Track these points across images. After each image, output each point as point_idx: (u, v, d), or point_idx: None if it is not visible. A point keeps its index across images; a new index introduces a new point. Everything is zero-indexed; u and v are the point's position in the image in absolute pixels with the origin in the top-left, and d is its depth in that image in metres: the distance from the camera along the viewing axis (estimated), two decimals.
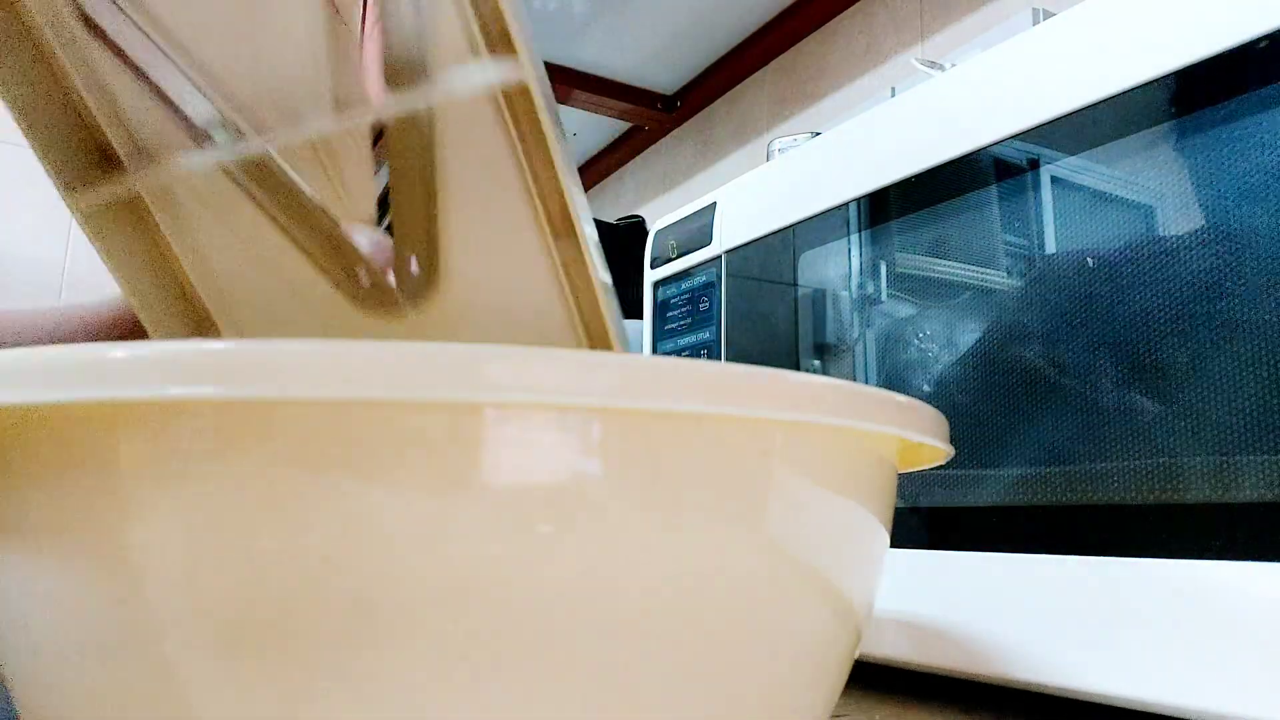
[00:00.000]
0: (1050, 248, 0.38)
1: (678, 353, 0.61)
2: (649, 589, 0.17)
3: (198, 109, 0.23)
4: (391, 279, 0.23)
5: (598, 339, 0.23)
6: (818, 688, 0.21)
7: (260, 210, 0.23)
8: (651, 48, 1.21)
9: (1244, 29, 0.31)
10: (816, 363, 0.50)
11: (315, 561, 0.15)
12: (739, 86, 1.25)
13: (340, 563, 0.15)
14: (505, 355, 0.14)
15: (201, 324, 0.23)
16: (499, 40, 0.22)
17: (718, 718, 0.18)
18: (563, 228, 0.23)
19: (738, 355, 0.56)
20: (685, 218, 0.63)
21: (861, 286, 0.48)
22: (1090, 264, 0.36)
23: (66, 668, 0.17)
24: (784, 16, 1.11)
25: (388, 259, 0.23)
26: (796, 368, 0.51)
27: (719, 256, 0.58)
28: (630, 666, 0.17)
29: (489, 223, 0.23)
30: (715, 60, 1.23)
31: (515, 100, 0.22)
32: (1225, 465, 0.30)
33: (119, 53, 0.23)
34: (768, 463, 0.17)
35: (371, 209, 0.26)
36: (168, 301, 0.23)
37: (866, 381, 0.47)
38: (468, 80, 0.22)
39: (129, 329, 0.37)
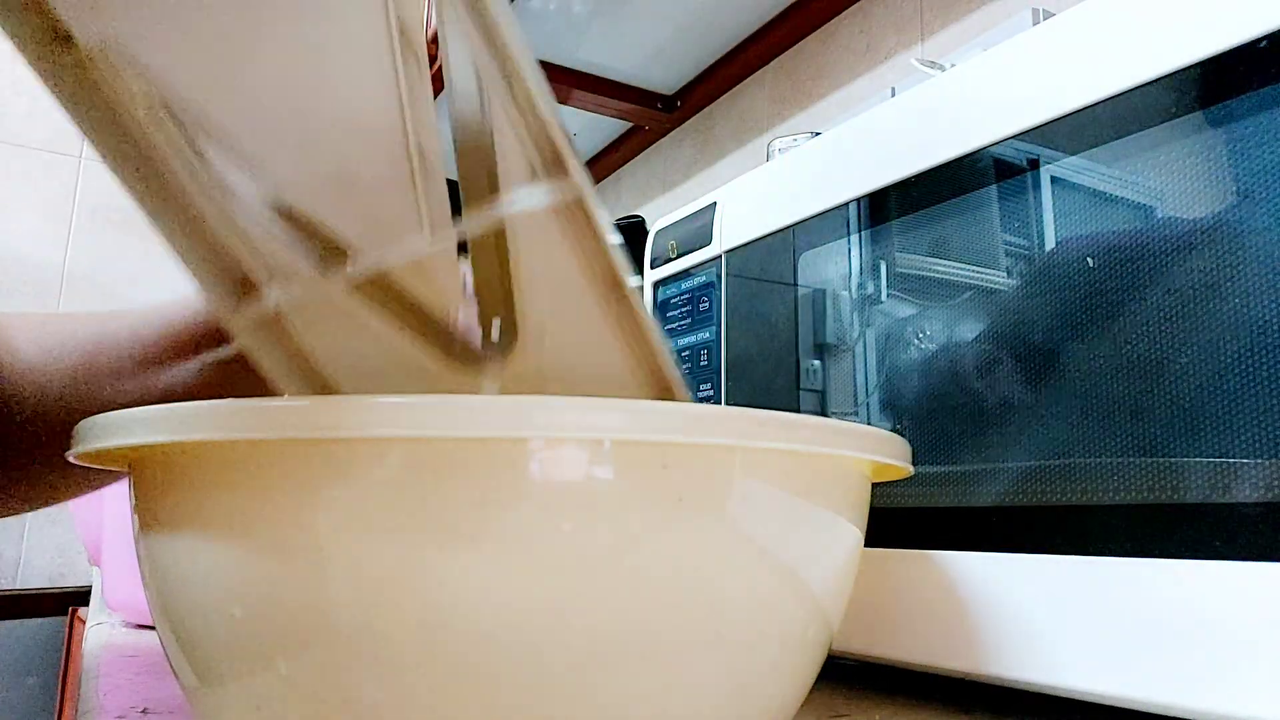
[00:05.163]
0: (1050, 248, 0.38)
1: (678, 352, 0.61)
2: (647, 567, 0.23)
3: (317, 240, 0.30)
4: (478, 345, 0.30)
5: (652, 371, 0.30)
6: (786, 667, 0.26)
7: (371, 309, 0.30)
8: (651, 48, 1.21)
9: (1244, 29, 0.31)
10: (816, 363, 0.50)
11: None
12: (739, 86, 1.25)
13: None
14: (547, 405, 0.21)
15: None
16: (553, 163, 0.29)
17: (698, 684, 0.24)
18: (612, 290, 0.29)
19: (737, 355, 0.56)
20: (685, 218, 0.63)
21: (861, 286, 0.48)
22: (1090, 264, 0.36)
23: (231, 626, 0.23)
24: (784, 16, 1.11)
25: (475, 330, 0.30)
26: (796, 368, 0.51)
27: (719, 256, 0.58)
28: (628, 631, 0.23)
29: (554, 295, 0.30)
30: (715, 60, 1.23)
31: (571, 208, 0.29)
32: (1225, 465, 0.30)
33: (244, 197, 0.30)
34: (730, 471, 0.24)
35: (459, 296, 0.33)
36: (310, 390, 0.30)
37: (866, 381, 0.48)
38: (532, 200, 0.29)
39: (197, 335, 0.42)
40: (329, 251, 0.31)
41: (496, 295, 0.30)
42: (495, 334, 0.30)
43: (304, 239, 0.31)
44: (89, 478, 0.43)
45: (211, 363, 0.41)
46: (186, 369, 0.41)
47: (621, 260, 0.30)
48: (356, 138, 0.30)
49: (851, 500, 0.28)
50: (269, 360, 0.31)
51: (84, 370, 0.40)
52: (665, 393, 0.30)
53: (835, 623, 0.29)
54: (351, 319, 0.31)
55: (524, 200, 0.29)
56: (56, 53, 0.27)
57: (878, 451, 0.27)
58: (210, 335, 0.41)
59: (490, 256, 0.30)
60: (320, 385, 0.30)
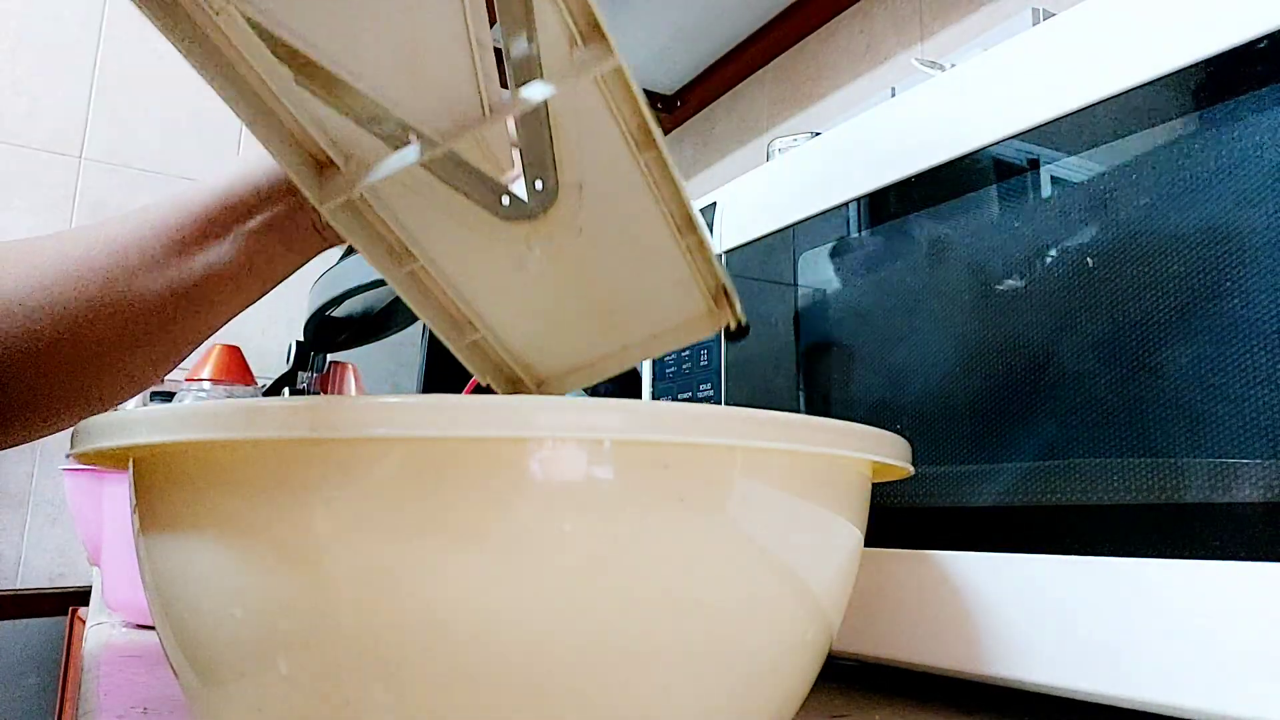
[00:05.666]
0: (1050, 248, 0.38)
1: (677, 353, 0.61)
2: (645, 565, 0.23)
3: (388, 126, 0.34)
4: (525, 200, 0.34)
5: (677, 211, 0.33)
6: (786, 667, 0.27)
7: (437, 178, 0.34)
8: (651, 48, 1.21)
9: (1244, 29, 0.31)
10: (816, 363, 0.50)
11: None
12: (739, 86, 1.25)
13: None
14: (547, 406, 0.22)
15: (402, 257, 0.35)
16: (592, 33, 0.30)
17: (701, 675, 0.24)
18: (644, 140, 0.32)
19: (737, 355, 0.56)
20: None
21: (861, 286, 0.48)
22: (1090, 264, 0.36)
23: (232, 625, 0.23)
24: (784, 16, 1.11)
25: (522, 189, 0.33)
26: (795, 368, 0.51)
27: (719, 256, 0.58)
28: (628, 632, 0.23)
29: (591, 154, 0.33)
30: (715, 60, 1.23)
31: (609, 77, 0.31)
32: (1225, 465, 0.30)
33: (323, 92, 0.33)
34: (731, 471, 0.24)
35: (509, 163, 0.36)
36: (389, 266, 0.35)
37: (866, 381, 0.48)
38: (573, 74, 0.31)
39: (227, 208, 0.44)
40: (397, 135, 0.34)
41: (541, 160, 0.34)
42: (538, 189, 0.34)
43: (375, 127, 0.34)
44: (87, 396, 0.45)
45: (245, 233, 0.42)
46: (221, 246, 0.42)
47: (653, 118, 0.32)
48: (426, 34, 0.32)
49: (852, 500, 0.28)
50: (354, 235, 0.34)
51: (117, 268, 0.42)
52: (688, 226, 0.33)
53: (835, 623, 0.29)
54: (420, 190, 0.35)
55: (566, 75, 0.31)
56: None
57: (878, 451, 0.27)
58: (240, 210, 0.42)
59: (536, 127, 0.33)
60: (400, 247, 0.35)
